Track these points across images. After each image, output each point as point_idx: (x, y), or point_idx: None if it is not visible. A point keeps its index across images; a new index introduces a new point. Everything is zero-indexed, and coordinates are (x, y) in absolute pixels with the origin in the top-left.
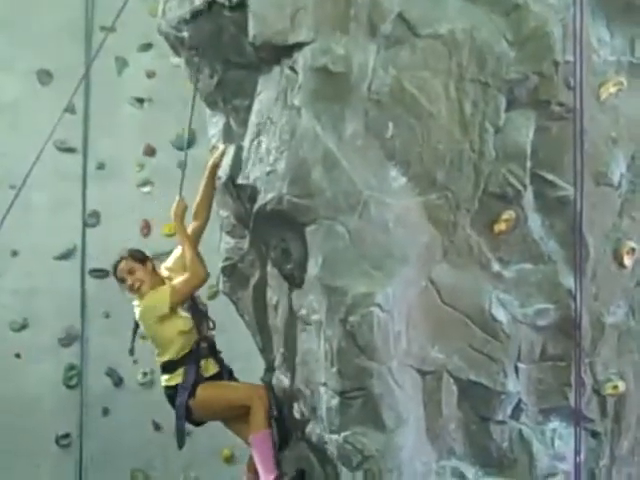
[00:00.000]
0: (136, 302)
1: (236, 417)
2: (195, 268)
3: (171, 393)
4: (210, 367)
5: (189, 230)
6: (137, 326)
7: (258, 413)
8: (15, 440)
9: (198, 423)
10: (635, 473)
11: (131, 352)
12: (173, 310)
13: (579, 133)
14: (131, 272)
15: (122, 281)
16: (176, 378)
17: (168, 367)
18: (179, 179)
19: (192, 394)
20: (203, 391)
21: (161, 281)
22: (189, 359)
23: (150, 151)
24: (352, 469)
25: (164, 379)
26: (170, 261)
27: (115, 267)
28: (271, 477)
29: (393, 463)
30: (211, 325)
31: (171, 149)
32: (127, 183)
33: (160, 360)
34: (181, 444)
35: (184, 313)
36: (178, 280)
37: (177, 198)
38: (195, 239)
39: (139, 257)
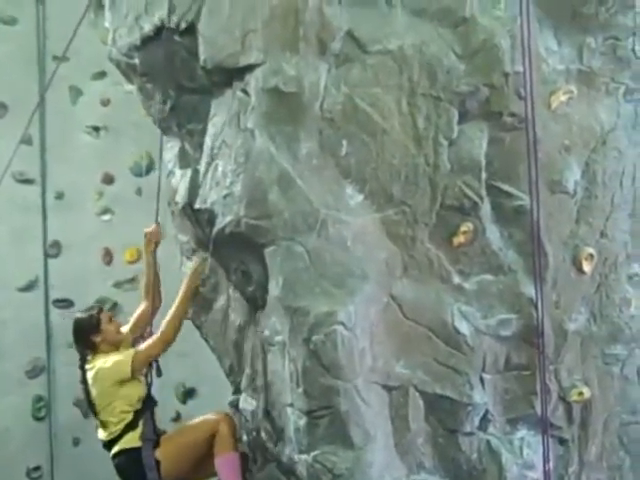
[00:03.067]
0: (88, 365)
1: (204, 460)
2: (169, 330)
3: (130, 455)
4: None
5: (137, 311)
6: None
7: (223, 435)
8: None
9: None
10: (604, 478)
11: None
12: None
13: (532, 143)
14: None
15: (110, 320)
16: (135, 438)
17: (127, 429)
18: (138, 206)
19: (155, 447)
20: (168, 441)
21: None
22: (144, 411)
23: (108, 179)
24: None
25: (122, 443)
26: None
27: (99, 310)
28: None
29: None
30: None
31: (129, 176)
32: (87, 212)
33: (118, 427)
34: None
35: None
36: (147, 346)
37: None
38: (143, 323)
39: (89, 329)
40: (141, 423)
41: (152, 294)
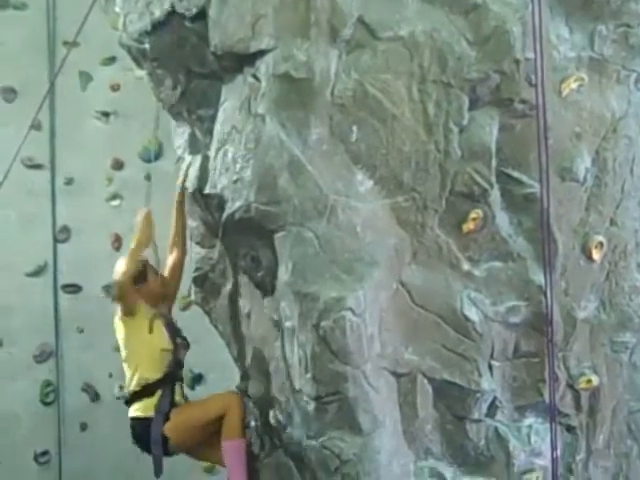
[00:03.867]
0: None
1: (210, 440)
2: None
3: (141, 424)
4: (181, 392)
5: (169, 262)
6: None
7: (232, 420)
8: None
9: (170, 454)
10: (612, 466)
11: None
12: (152, 325)
13: (543, 130)
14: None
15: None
16: (149, 407)
17: (143, 392)
18: (148, 191)
19: (166, 420)
20: (177, 415)
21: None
22: (166, 382)
23: (118, 165)
24: (330, 474)
25: (136, 408)
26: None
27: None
28: None
29: (371, 466)
30: (186, 346)
31: (139, 162)
32: (96, 197)
33: (139, 382)
34: (159, 473)
35: (164, 330)
36: (126, 258)
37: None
38: (177, 272)
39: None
40: (159, 393)
41: (182, 243)
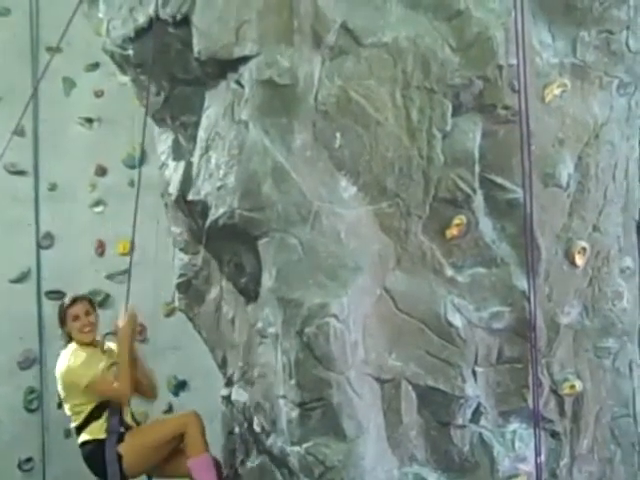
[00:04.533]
0: (70, 348)
1: (170, 458)
2: (123, 387)
3: (93, 446)
4: (128, 411)
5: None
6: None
7: (192, 436)
8: None
9: (126, 478)
10: (596, 471)
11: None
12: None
13: (526, 136)
14: (87, 313)
15: (75, 319)
16: (99, 429)
17: (89, 418)
18: (131, 198)
19: (120, 440)
20: (132, 437)
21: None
22: (108, 403)
23: (101, 171)
24: None
25: (85, 433)
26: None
27: (71, 303)
28: None
29: (355, 472)
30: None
31: (122, 168)
32: (80, 204)
33: (79, 416)
34: None
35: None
36: (105, 381)
37: (125, 312)
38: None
39: (93, 304)
40: (106, 414)
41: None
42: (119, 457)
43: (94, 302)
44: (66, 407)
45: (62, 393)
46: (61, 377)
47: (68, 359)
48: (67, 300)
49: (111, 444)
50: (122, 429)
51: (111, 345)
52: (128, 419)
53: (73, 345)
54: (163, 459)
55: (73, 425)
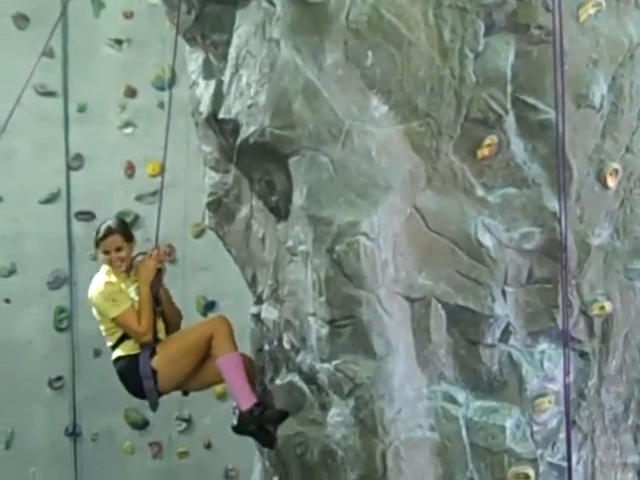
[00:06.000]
0: (102, 271)
1: (202, 369)
2: (144, 329)
3: (127, 362)
4: (162, 328)
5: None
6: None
7: (221, 338)
8: (8, 385)
9: (161, 393)
10: (624, 392)
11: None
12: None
13: (559, 56)
14: (118, 249)
15: (105, 253)
16: (132, 345)
17: (123, 337)
18: (160, 119)
19: (153, 355)
20: (163, 347)
21: (130, 266)
22: None
23: (130, 92)
24: (343, 397)
25: (119, 351)
26: None
27: (103, 236)
28: (248, 405)
29: (384, 389)
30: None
31: (151, 90)
32: (109, 125)
33: (114, 336)
34: (155, 407)
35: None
36: (130, 319)
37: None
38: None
39: (128, 235)
40: None
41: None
42: (153, 372)
43: (129, 233)
44: (101, 328)
45: (96, 316)
46: (92, 303)
47: (98, 287)
48: (101, 230)
49: (144, 358)
50: (154, 344)
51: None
52: (162, 335)
53: (105, 268)
54: (195, 370)
55: (109, 344)
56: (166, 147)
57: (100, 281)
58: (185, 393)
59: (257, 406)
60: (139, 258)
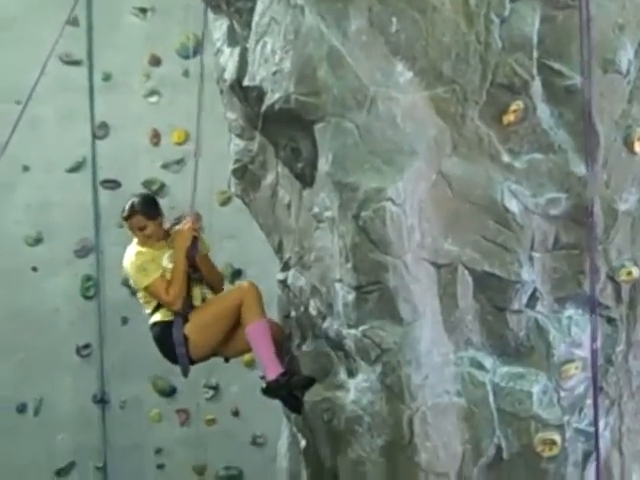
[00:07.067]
0: (134, 242)
1: (233, 336)
2: (172, 298)
3: (161, 327)
4: (198, 295)
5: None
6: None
7: (249, 305)
8: (36, 352)
9: (193, 360)
10: None
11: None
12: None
13: (585, 21)
14: (142, 229)
15: (131, 230)
16: (168, 312)
17: (160, 304)
18: (185, 87)
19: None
20: (195, 314)
21: (166, 234)
22: None
23: (155, 61)
24: (370, 363)
25: (156, 316)
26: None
27: (126, 217)
28: (274, 375)
29: (411, 355)
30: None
31: (176, 58)
32: (134, 93)
33: (150, 304)
34: (186, 372)
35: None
36: (159, 288)
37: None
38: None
39: (152, 214)
40: None
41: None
42: (185, 339)
43: (152, 210)
44: (138, 295)
45: (132, 285)
46: (126, 273)
47: (130, 258)
48: (125, 210)
49: (178, 325)
50: (189, 311)
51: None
52: (197, 303)
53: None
54: (228, 337)
55: (147, 311)
56: (199, 114)
57: (132, 252)
58: (226, 359)
59: (283, 375)
60: (176, 228)
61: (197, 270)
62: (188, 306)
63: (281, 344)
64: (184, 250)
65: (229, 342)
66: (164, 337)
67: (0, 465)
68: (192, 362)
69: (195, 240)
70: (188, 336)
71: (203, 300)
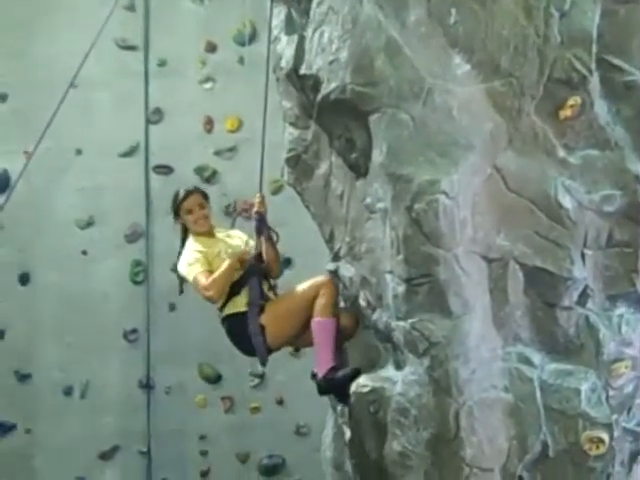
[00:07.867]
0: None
1: (309, 325)
2: (210, 292)
3: (235, 319)
4: (268, 286)
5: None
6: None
7: (324, 300)
8: (84, 336)
9: (270, 349)
10: None
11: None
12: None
13: None
14: (202, 206)
15: (188, 212)
16: (240, 303)
17: (230, 296)
18: (240, 74)
19: (261, 312)
20: (273, 305)
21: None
22: (249, 276)
23: (211, 47)
24: (418, 355)
25: (227, 308)
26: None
27: (185, 197)
28: (326, 368)
29: (459, 349)
30: (274, 237)
31: (232, 45)
32: (189, 80)
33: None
34: (264, 362)
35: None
36: (199, 284)
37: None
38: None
39: (207, 196)
40: (245, 290)
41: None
42: (262, 328)
43: (206, 194)
44: None
45: None
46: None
47: (184, 258)
48: (181, 193)
49: (253, 315)
50: (262, 301)
51: (232, 233)
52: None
53: (191, 238)
54: (304, 328)
55: (218, 306)
56: (266, 101)
57: (185, 252)
58: (296, 349)
59: (332, 370)
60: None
61: (273, 245)
62: (260, 295)
63: (351, 336)
64: (237, 262)
65: (305, 333)
66: (240, 328)
67: (45, 447)
68: (270, 351)
69: (262, 218)
70: (265, 326)
71: (269, 288)
